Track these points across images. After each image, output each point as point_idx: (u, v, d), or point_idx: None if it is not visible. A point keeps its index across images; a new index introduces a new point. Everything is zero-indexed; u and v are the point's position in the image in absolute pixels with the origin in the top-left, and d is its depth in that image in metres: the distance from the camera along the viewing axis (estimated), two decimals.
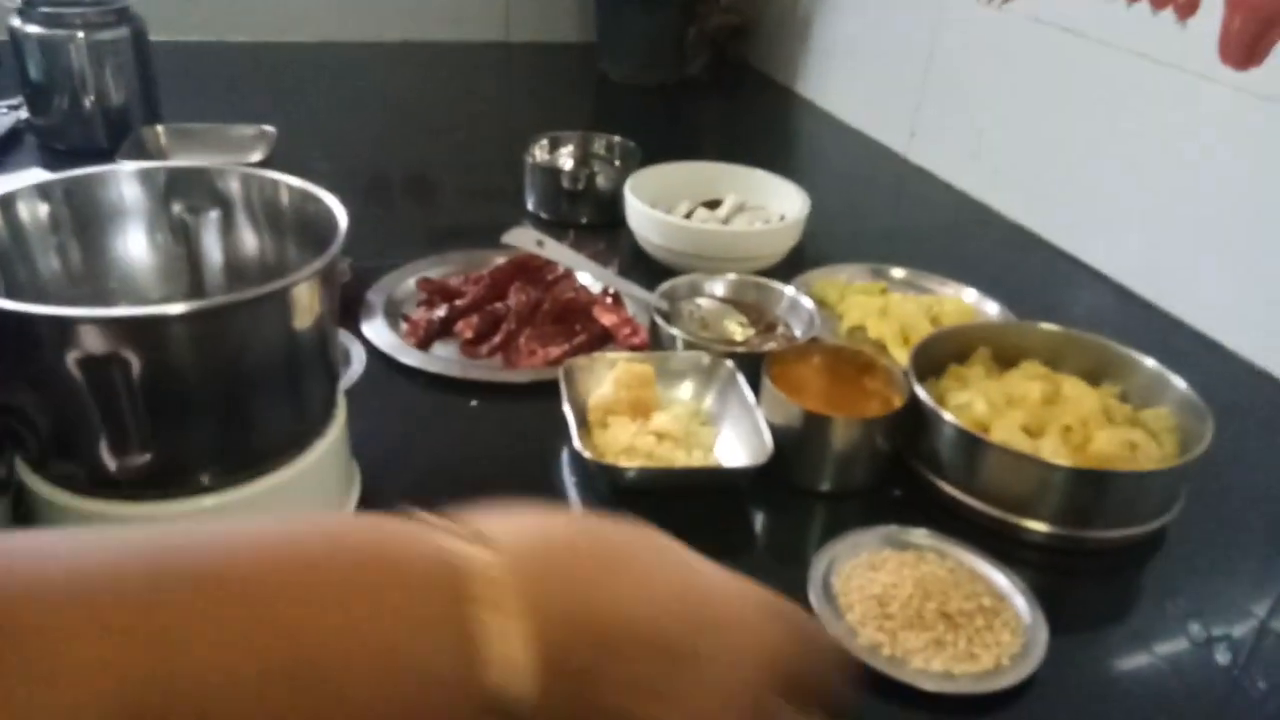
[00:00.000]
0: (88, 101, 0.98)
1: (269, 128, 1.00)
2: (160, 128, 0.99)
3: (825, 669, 0.33)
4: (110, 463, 0.41)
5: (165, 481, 0.43)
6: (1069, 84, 0.93)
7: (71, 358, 0.38)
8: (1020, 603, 0.50)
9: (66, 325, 0.38)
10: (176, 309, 0.39)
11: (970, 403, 0.59)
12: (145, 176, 0.50)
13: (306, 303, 0.43)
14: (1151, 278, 0.86)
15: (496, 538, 0.27)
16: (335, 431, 0.50)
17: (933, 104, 1.13)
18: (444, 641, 0.24)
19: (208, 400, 0.42)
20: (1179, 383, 0.60)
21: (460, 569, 0.25)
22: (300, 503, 0.48)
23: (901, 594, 0.49)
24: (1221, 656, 0.51)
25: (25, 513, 0.47)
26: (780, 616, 0.31)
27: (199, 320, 0.40)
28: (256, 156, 0.96)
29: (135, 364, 0.38)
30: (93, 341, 0.38)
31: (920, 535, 0.54)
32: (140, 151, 0.94)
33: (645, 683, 0.27)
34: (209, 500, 0.44)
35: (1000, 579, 0.51)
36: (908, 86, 1.16)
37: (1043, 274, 0.93)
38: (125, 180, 0.50)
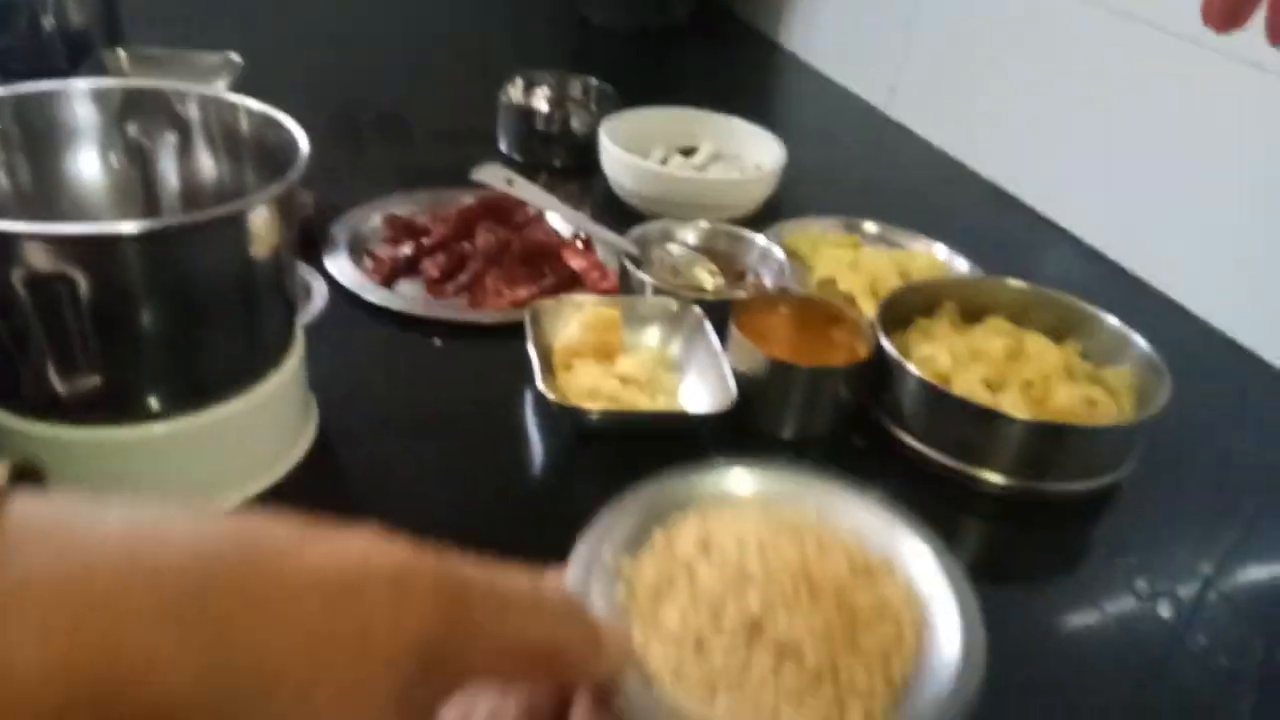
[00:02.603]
0: (47, 22, 0.94)
1: (235, 56, 0.97)
2: (122, 51, 0.96)
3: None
4: (58, 385, 0.40)
5: (114, 406, 0.42)
6: (1050, 44, 0.93)
7: (18, 275, 0.37)
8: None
9: (13, 241, 0.37)
10: (128, 228, 0.38)
11: (934, 355, 0.59)
12: (99, 96, 0.49)
13: (263, 229, 0.42)
14: (1121, 240, 0.87)
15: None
16: (292, 365, 0.49)
17: (914, 60, 1.12)
18: None
19: (158, 324, 0.41)
20: (1140, 342, 0.61)
21: None
22: (254, 434, 0.48)
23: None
24: (1165, 611, 0.52)
25: None
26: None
27: (150, 241, 0.39)
28: (221, 85, 0.93)
29: (83, 284, 0.37)
30: (40, 259, 0.37)
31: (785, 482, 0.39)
32: (100, 75, 0.91)
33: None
34: (159, 427, 0.43)
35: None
36: (890, 42, 1.15)
37: (1015, 233, 0.93)
38: (78, 99, 0.48)
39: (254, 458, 0.49)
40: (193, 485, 0.46)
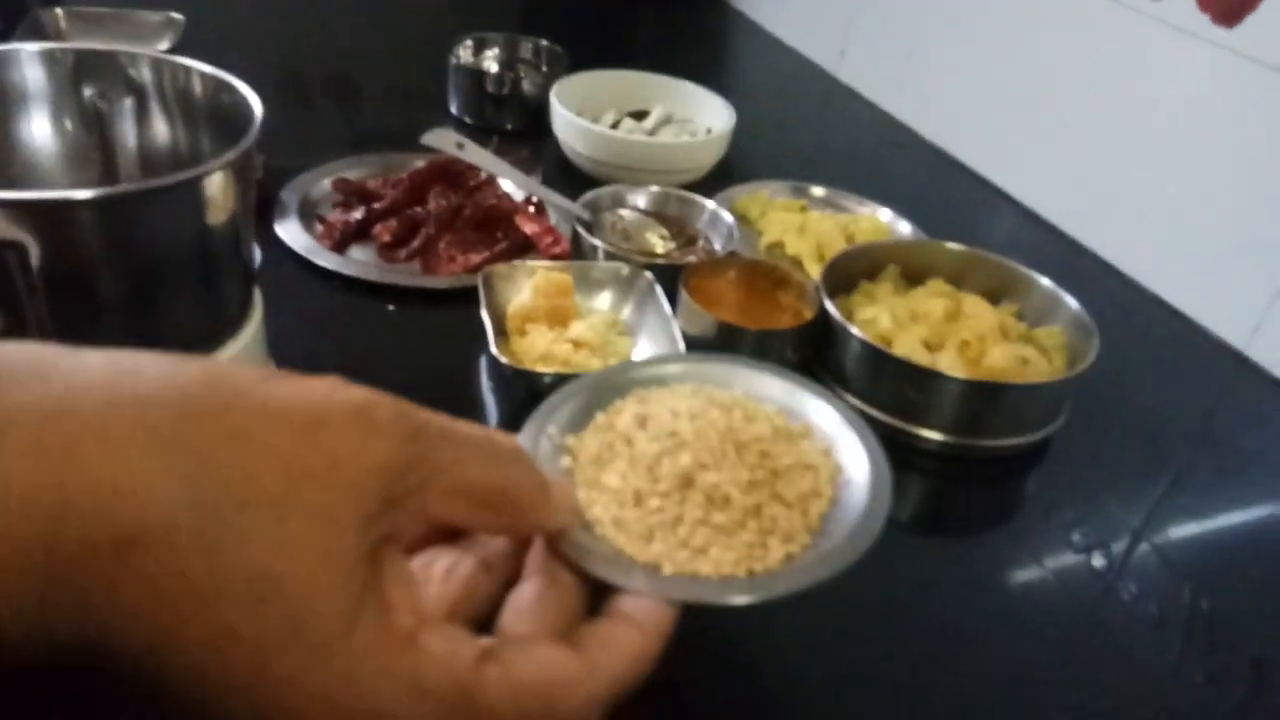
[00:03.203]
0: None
1: (177, 15, 0.95)
2: (60, 10, 0.94)
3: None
4: None
5: None
6: (992, 11, 0.94)
7: None
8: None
9: None
10: (82, 194, 0.38)
11: (876, 317, 0.61)
12: (50, 58, 0.48)
13: (220, 195, 0.42)
14: (1060, 204, 0.89)
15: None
16: (250, 332, 0.50)
17: (863, 23, 1.14)
18: None
19: (114, 292, 0.41)
20: (1071, 302, 0.63)
21: None
22: None
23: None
24: (1096, 560, 0.54)
25: None
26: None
27: (105, 207, 0.39)
28: (163, 45, 0.91)
29: (35, 250, 0.37)
30: None
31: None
32: (38, 35, 0.89)
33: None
34: None
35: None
36: (840, 4, 1.16)
37: (960, 197, 0.95)
38: (28, 61, 0.47)
39: None
40: None
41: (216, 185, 0.42)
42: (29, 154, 0.49)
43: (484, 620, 0.30)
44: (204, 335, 0.47)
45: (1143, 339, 0.76)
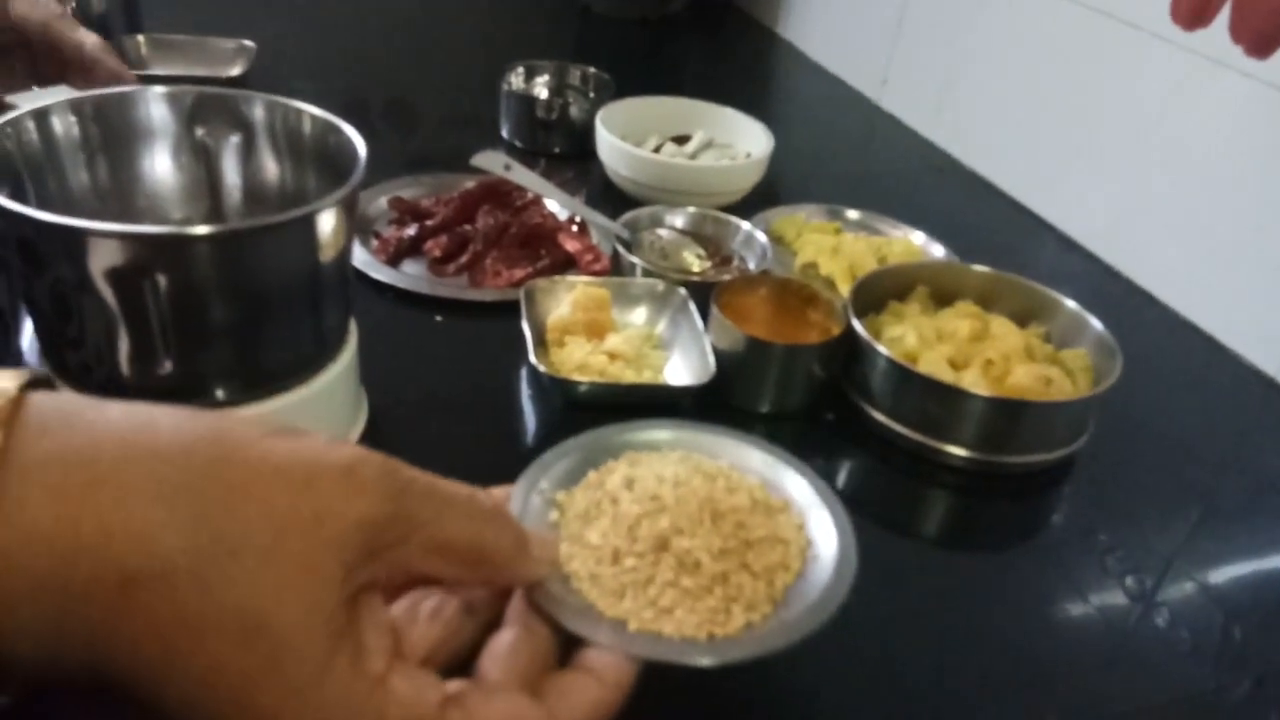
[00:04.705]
0: (69, 7, 0.98)
1: (248, 42, 1.01)
2: (141, 37, 1.00)
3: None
4: (134, 373, 0.43)
5: (183, 395, 0.44)
6: (1030, 40, 0.96)
7: (101, 269, 0.40)
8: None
9: (101, 238, 0.39)
10: (205, 229, 0.41)
11: (903, 336, 0.63)
12: (172, 99, 0.52)
13: (329, 231, 0.45)
14: (1095, 230, 0.90)
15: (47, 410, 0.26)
16: (346, 358, 0.52)
17: (905, 52, 1.16)
18: None
19: (228, 318, 0.43)
20: (1096, 325, 0.64)
21: None
22: (312, 421, 0.50)
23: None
24: (1117, 572, 0.55)
25: None
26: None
27: (226, 241, 0.42)
28: (235, 71, 0.97)
29: (162, 279, 0.40)
30: (124, 256, 0.40)
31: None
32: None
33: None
34: None
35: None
36: (882, 34, 1.18)
37: (996, 223, 0.96)
38: (153, 101, 0.52)
39: None
40: None
41: (327, 221, 0.45)
42: (150, 186, 0.53)
43: (466, 659, 0.32)
44: (307, 359, 0.49)
45: (1174, 364, 0.77)
